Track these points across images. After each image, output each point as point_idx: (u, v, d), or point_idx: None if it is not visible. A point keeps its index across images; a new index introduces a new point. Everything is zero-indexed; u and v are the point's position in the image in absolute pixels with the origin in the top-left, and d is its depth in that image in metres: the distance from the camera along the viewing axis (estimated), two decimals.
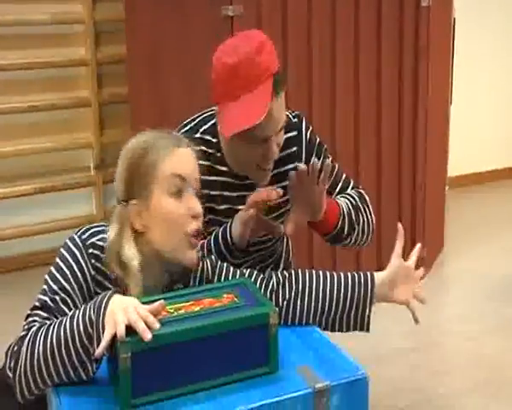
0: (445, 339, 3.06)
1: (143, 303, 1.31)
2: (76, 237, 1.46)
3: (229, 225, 1.72)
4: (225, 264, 1.60)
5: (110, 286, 1.44)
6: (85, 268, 1.44)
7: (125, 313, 1.26)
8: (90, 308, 1.31)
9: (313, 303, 1.55)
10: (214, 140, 1.78)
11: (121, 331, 1.24)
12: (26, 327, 1.37)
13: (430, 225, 3.62)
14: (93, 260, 1.44)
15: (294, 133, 1.84)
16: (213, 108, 1.81)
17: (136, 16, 3.17)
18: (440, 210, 3.89)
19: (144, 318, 1.27)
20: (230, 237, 1.71)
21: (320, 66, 3.07)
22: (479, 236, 4.11)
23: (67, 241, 1.47)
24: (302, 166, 1.65)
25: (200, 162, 1.55)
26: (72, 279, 1.42)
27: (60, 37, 3.70)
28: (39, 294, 1.43)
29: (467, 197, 4.69)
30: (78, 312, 1.33)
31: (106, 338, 1.25)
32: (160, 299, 1.38)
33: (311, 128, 1.88)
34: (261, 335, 1.34)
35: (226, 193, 1.79)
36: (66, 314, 1.37)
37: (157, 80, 3.09)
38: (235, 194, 1.80)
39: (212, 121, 1.79)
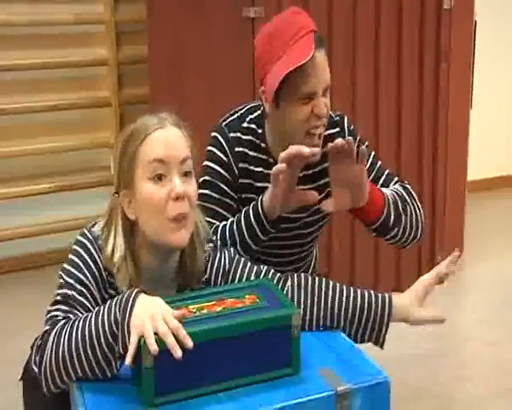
0: (465, 344, 3.04)
1: (167, 303, 1.31)
2: (86, 230, 1.48)
3: (260, 197, 1.69)
4: (243, 259, 1.58)
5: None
6: (98, 259, 1.44)
7: (152, 321, 1.25)
8: (115, 306, 1.31)
9: (325, 313, 1.52)
10: (259, 130, 1.79)
11: (153, 346, 1.22)
12: (49, 322, 1.38)
13: (450, 229, 3.60)
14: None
15: (337, 130, 1.84)
16: (253, 102, 1.84)
17: (157, 17, 3.18)
18: (460, 215, 3.86)
19: (175, 330, 1.24)
20: (261, 205, 1.66)
21: (340, 68, 3.05)
22: (498, 240, 4.08)
23: (78, 236, 1.48)
24: (339, 140, 1.62)
25: (249, 153, 1.66)
26: (86, 271, 1.43)
27: (81, 37, 3.73)
28: (56, 289, 1.44)
29: (487, 202, 4.66)
30: (103, 309, 1.33)
31: (133, 345, 1.24)
32: (182, 298, 1.39)
33: (352, 126, 1.88)
34: (283, 336, 1.34)
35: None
36: (85, 306, 1.39)
37: (178, 81, 3.09)
38: None
39: (258, 112, 1.81)
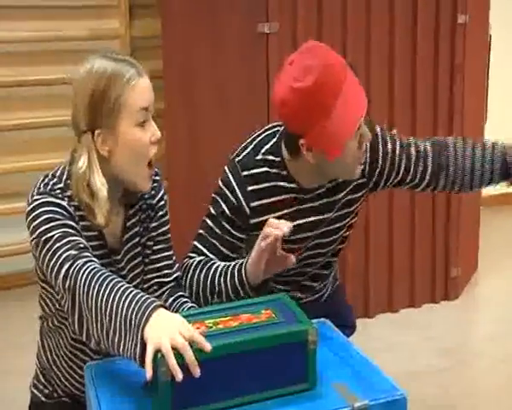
0: (478, 360, 3.02)
1: (184, 317, 1.31)
2: (40, 191, 1.50)
3: (244, 263, 1.66)
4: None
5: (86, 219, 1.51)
6: (63, 211, 1.48)
7: (171, 338, 1.24)
8: (136, 303, 1.31)
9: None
10: (277, 159, 1.74)
11: (175, 368, 1.22)
12: (61, 259, 1.41)
13: (464, 244, 3.58)
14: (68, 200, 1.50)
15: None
16: (269, 126, 1.80)
17: (172, 32, 3.20)
18: (475, 229, 3.84)
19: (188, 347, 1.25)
20: (245, 273, 1.63)
21: None
22: None
23: (33, 202, 1.49)
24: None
25: (266, 185, 1.67)
26: (60, 215, 1.47)
27: (95, 52, 3.75)
28: (40, 245, 1.45)
29: (501, 217, 4.64)
30: (121, 295, 1.33)
31: (149, 357, 1.24)
32: (198, 313, 1.39)
33: (383, 133, 1.85)
34: (299, 351, 1.34)
35: (296, 208, 1.76)
36: (74, 229, 1.46)
37: (192, 96, 3.11)
38: (306, 206, 1.77)
39: (273, 140, 1.76)
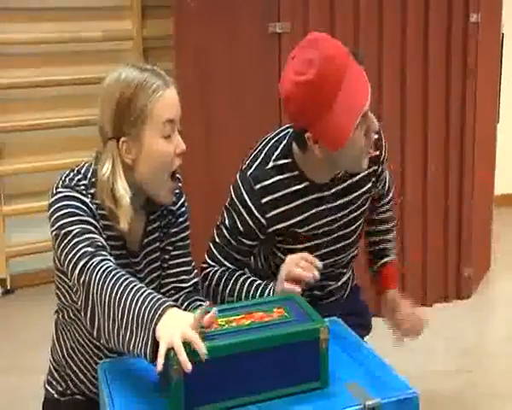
0: (493, 361, 3.00)
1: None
2: (65, 184, 1.51)
3: (271, 285, 1.69)
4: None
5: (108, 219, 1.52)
6: (86, 208, 1.50)
7: (182, 334, 1.25)
8: (150, 301, 1.32)
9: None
10: (289, 160, 1.73)
11: (187, 365, 1.23)
12: (79, 254, 1.43)
13: (477, 244, 3.57)
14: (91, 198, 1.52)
15: (376, 136, 1.76)
16: (280, 130, 1.80)
17: (184, 33, 3.21)
18: (487, 229, 3.83)
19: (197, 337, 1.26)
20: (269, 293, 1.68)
21: None
22: None
23: (56, 194, 1.50)
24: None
25: (280, 193, 1.70)
26: (82, 211, 1.49)
27: (109, 53, 3.78)
28: (60, 237, 1.46)
29: None
30: (135, 293, 1.34)
31: (162, 353, 1.25)
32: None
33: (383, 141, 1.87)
34: (312, 350, 1.34)
35: (314, 210, 1.76)
36: (94, 227, 1.47)
37: (205, 96, 3.12)
38: (324, 207, 1.78)
39: (284, 142, 1.76)
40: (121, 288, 1.36)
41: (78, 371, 1.66)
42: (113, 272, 1.40)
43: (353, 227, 1.85)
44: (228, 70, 3.05)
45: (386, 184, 1.98)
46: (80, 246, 1.44)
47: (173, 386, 1.25)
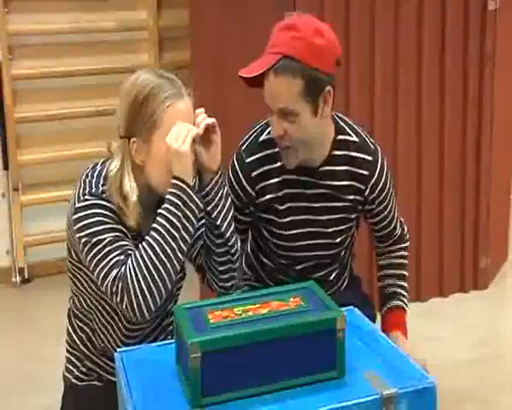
0: (510, 351, 2.98)
1: (212, 304, 1.35)
2: (92, 192, 1.54)
3: None
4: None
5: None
6: (114, 215, 1.53)
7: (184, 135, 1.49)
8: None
9: None
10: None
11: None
12: (114, 267, 1.48)
13: (494, 235, 3.54)
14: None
15: (370, 158, 1.85)
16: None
17: (200, 23, 3.21)
18: (505, 219, 3.80)
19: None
20: None
21: (382, 73, 3.05)
22: None
23: (85, 200, 1.53)
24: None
25: (269, 167, 1.76)
26: (111, 219, 1.52)
27: (124, 43, 3.78)
28: (90, 244, 1.51)
29: None
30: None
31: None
32: (227, 300, 1.40)
33: (387, 169, 1.89)
34: (328, 339, 1.34)
35: (291, 190, 1.83)
36: (123, 233, 1.53)
37: (220, 86, 3.12)
38: (300, 190, 1.84)
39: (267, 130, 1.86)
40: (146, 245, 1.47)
41: (93, 356, 1.68)
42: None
43: (331, 230, 1.87)
44: (244, 60, 3.03)
45: (393, 224, 1.98)
46: (113, 255, 1.49)
47: (191, 374, 1.26)
